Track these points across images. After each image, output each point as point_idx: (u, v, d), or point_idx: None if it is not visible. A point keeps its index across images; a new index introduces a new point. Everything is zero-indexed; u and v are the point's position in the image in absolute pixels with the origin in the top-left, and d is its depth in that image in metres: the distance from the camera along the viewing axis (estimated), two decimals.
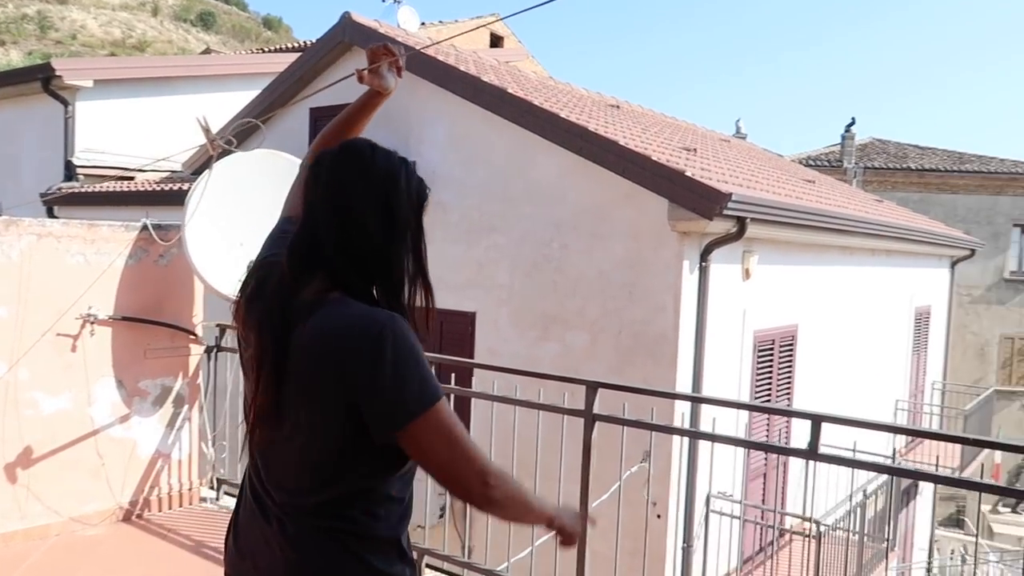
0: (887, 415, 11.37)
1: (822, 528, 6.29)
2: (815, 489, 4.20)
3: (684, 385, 6.11)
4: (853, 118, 23.52)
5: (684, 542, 6.32)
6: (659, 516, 6.14)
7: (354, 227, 1.33)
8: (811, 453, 2.60)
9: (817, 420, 2.60)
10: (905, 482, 10.41)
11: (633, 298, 6.20)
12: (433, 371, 1.34)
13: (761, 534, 7.55)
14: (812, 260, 8.24)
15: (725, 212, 5.65)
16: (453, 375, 3.42)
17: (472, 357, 6.85)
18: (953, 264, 13.71)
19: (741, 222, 5.88)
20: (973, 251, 13.55)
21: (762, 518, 7.57)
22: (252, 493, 1.42)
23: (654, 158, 5.99)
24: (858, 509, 7.34)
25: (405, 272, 1.37)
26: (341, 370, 1.26)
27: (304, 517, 1.33)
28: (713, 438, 3.05)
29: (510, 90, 6.93)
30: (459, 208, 7.27)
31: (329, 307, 1.30)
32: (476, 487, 1.32)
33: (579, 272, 6.54)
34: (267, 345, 1.32)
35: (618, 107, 10.28)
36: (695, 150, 7.82)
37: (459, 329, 7.14)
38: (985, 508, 20.02)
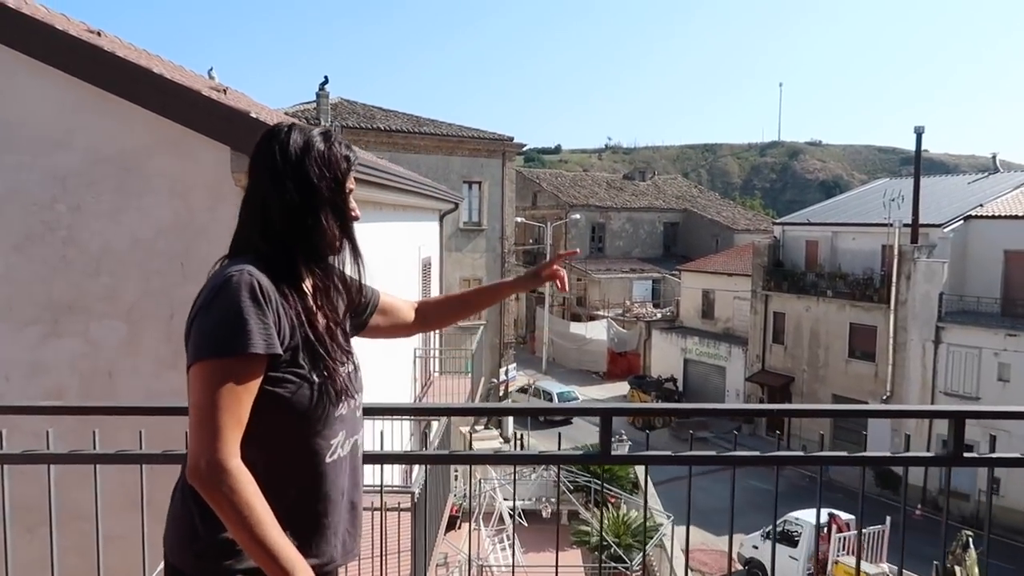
0: (408, 364, 11.86)
1: None
2: None
3: None
4: (326, 76, 23.79)
5: None
6: None
7: (263, 199, 1.54)
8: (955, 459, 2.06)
9: (960, 417, 2.06)
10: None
11: (188, 272, 4.91)
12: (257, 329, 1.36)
13: None
14: (375, 218, 7.82)
15: None
16: None
17: None
18: (441, 217, 14.90)
19: None
20: (456, 204, 14.93)
21: None
22: None
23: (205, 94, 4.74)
24: None
25: (325, 237, 1.55)
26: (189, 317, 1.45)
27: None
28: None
29: None
30: None
31: (217, 268, 1.53)
32: (201, 465, 1.30)
33: (103, 243, 4.93)
34: None
35: (99, 34, 8.21)
36: (225, 90, 6.61)
37: None
38: (465, 429, 22.99)
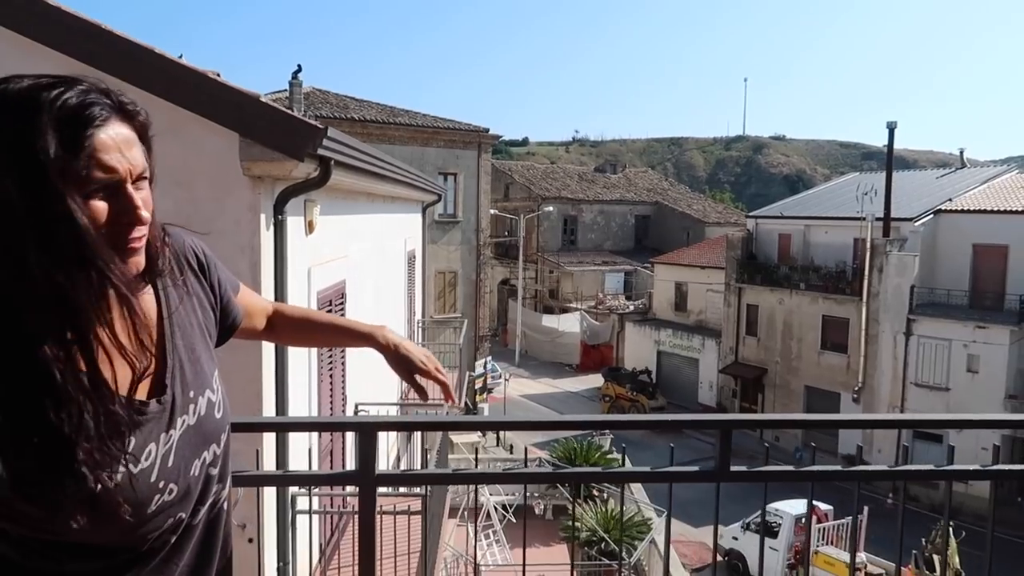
0: None
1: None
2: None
3: (268, 374, 4.84)
4: (299, 65, 23.32)
5: (280, 560, 5.15)
6: (251, 540, 4.86)
7: None
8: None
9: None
10: None
11: None
12: None
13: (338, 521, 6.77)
14: (350, 209, 7.54)
15: (311, 152, 4.51)
16: None
17: None
18: (424, 209, 14.60)
19: (326, 165, 4.80)
20: (440, 196, 14.64)
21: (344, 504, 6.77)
22: None
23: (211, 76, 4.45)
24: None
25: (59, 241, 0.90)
26: None
27: None
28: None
29: None
30: None
31: None
32: None
33: None
34: None
35: None
36: (218, 74, 6.27)
37: None
38: None
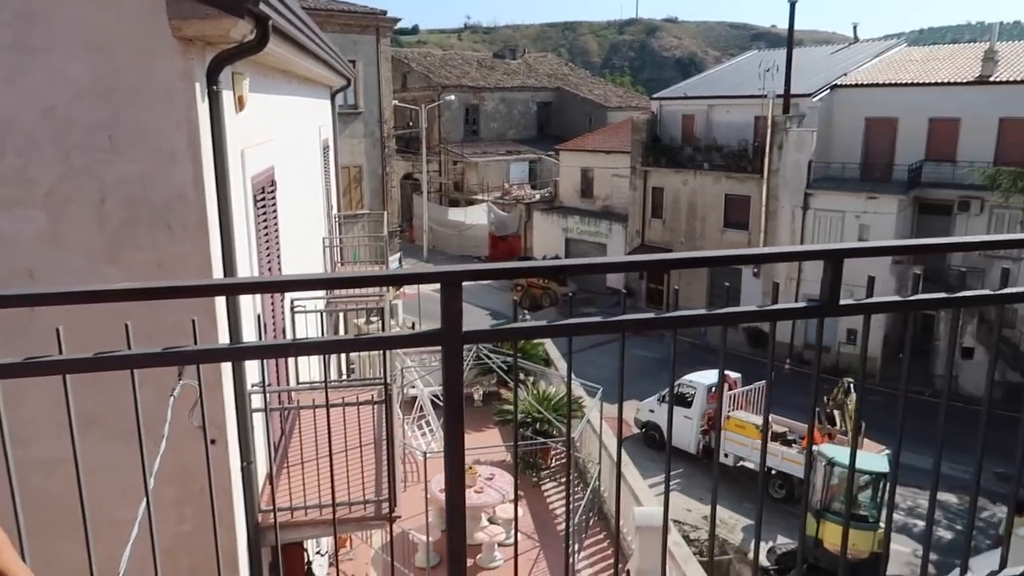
0: (319, 255, 11.09)
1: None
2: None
3: (217, 263, 4.42)
4: None
5: (243, 460, 4.89)
6: (214, 441, 4.57)
7: None
8: (831, 308, 1.77)
9: (838, 256, 1.76)
10: None
11: (117, 145, 4.06)
12: None
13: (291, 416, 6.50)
14: (270, 87, 6.89)
15: (252, 9, 3.95)
16: None
17: None
18: (333, 95, 13.73)
19: (264, 26, 4.24)
20: (350, 80, 13.74)
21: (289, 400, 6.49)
22: None
23: None
24: None
25: None
26: None
27: None
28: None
29: None
30: None
31: None
32: None
33: (2, 114, 3.97)
34: None
35: None
36: None
37: None
38: (359, 322, 22.46)
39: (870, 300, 1.82)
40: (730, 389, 19.35)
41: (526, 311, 30.53)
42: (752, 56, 35.84)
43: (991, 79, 24.98)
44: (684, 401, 19.73)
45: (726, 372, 19.49)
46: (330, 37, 24.85)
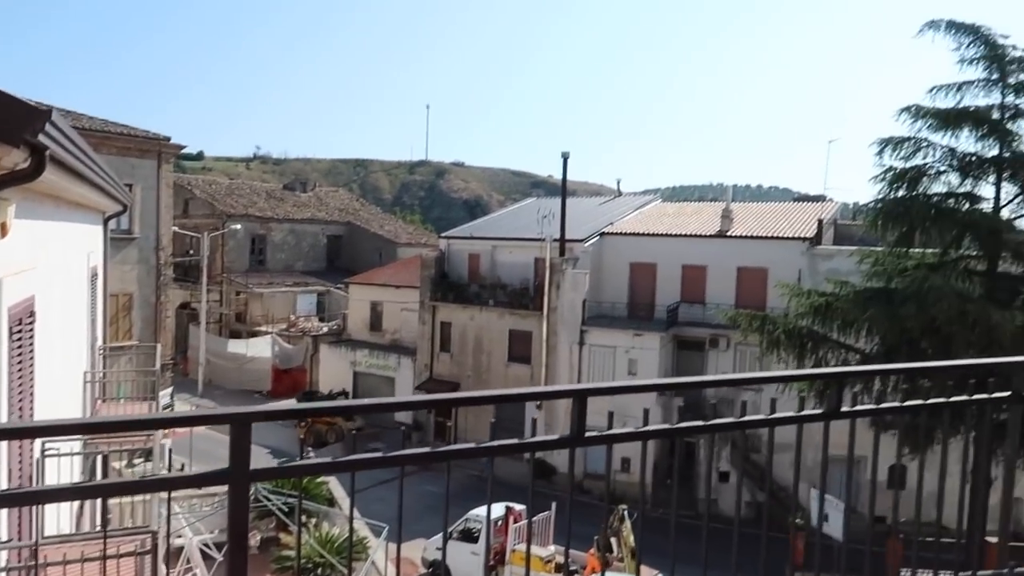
0: (78, 391, 10.12)
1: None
2: None
3: None
4: None
5: None
6: None
7: None
8: (578, 439, 2.07)
9: (583, 394, 2.08)
10: None
11: None
12: None
13: None
14: (37, 213, 6.49)
15: (29, 139, 3.85)
16: None
17: None
18: (106, 220, 13.03)
19: (40, 156, 4.12)
20: (126, 206, 13.15)
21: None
22: None
23: None
24: None
25: None
26: None
27: None
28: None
29: None
30: None
31: None
32: None
33: None
34: None
35: None
36: None
37: None
38: (119, 465, 20.21)
39: (611, 432, 2.14)
40: (516, 522, 19.58)
41: (310, 448, 29.32)
42: (532, 203, 38.89)
43: (728, 233, 29.03)
44: (471, 537, 19.61)
45: (512, 504, 19.74)
46: (106, 160, 23.73)
